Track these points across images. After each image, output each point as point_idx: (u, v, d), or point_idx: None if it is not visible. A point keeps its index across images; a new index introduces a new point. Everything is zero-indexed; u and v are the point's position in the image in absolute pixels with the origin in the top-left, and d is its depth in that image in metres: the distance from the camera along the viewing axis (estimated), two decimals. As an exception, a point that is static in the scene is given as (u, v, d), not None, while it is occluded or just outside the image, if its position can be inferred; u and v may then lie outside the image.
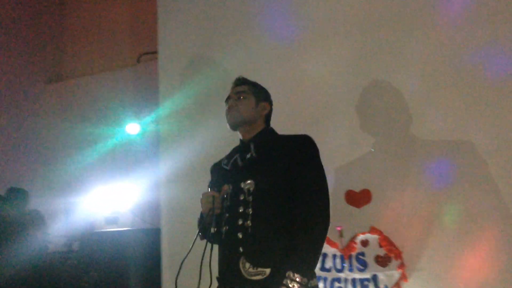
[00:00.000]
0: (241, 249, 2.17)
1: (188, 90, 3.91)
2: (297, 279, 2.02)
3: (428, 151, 3.11)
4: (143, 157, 4.68)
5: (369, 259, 3.14)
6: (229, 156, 2.44)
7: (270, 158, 2.27)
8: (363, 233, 3.17)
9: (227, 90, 3.82)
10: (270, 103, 2.51)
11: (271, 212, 2.18)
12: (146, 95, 4.84)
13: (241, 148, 2.41)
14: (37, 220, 4.42)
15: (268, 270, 2.11)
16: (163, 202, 3.85)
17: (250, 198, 2.21)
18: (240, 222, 2.20)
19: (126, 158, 5.10)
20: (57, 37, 6.70)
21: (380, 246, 3.13)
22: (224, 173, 2.40)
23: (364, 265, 3.15)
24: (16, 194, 4.41)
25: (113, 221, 4.19)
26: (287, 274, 2.03)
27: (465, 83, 3.07)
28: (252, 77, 2.53)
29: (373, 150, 3.06)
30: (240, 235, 2.19)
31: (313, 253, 2.12)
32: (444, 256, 2.98)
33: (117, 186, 4.27)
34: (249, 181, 2.24)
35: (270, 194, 2.20)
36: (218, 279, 2.28)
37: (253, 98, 2.43)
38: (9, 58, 6.08)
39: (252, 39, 3.73)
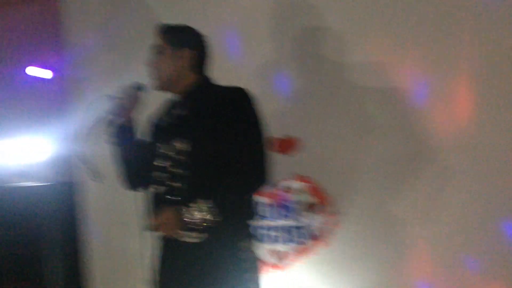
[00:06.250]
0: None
1: (101, 30, 3.51)
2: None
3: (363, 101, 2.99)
4: (51, 105, 4.31)
5: (297, 206, 3.09)
6: (161, 111, 2.26)
7: (200, 116, 2.08)
8: (290, 179, 3.10)
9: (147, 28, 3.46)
10: (192, 47, 2.16)
11: (200, 174, 2.03)
12: (54, 35, 4.40)
13: (172, 104, 2.22)
14: None
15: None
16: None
17: (181, 158, 2.05)
18: (169, 182, 2.07)
19: (31, 106, 4.69)
20: None
21: (308, 193, 3.07)
22: (156, 129, 2.23)
23: (289, 211, 3.10)
24: None
25: (21, 175, 3.87)
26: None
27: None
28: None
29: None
30: (169, 197, 2.06)
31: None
32: (374, 198, 2.97)
33: (25, 138, 3.91)
34: (178, 141, 2.07)
35: (198, 154, 2.03)
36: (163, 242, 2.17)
37: (169, 50, 2.14)
38: None
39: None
